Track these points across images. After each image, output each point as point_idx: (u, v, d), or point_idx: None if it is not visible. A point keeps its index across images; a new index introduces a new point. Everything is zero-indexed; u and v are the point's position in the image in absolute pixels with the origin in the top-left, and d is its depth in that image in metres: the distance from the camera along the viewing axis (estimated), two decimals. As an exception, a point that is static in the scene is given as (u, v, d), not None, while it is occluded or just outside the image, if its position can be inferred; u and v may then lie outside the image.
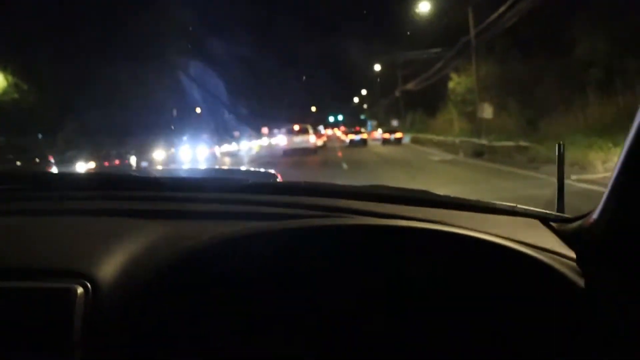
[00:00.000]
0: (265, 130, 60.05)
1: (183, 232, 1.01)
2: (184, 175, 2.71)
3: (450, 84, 31.47)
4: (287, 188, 1.38)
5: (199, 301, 0.94)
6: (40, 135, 27.74)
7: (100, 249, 0.95)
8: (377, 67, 50.24)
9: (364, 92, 78.27)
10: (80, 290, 0.86)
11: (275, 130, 56.87)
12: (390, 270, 0.97)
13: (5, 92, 26.16)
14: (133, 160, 24.65)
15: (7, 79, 26.16)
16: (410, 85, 43.69)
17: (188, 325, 0.94)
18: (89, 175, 1.85)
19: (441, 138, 29.69)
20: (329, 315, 0.96)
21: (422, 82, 39.89)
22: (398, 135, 40.25)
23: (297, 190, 1.30)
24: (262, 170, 2.62)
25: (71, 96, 29.39)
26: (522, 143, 17.43)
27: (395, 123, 50.16)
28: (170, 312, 0.93)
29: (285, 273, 0.96)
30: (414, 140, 38.03)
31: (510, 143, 18.48)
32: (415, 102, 45.03)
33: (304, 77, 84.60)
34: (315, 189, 1.28)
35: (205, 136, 34.10)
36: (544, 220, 1.12)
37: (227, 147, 36.68)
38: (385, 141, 40.09)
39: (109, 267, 0.91)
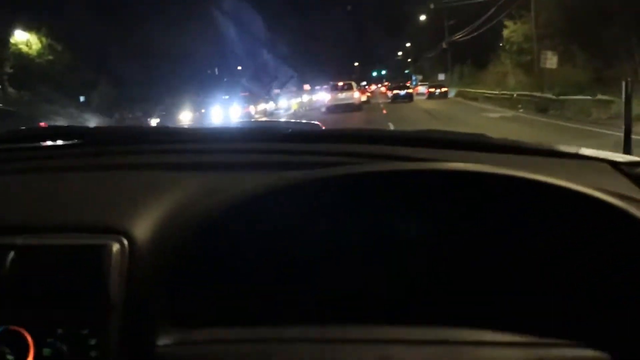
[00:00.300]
0: (307, 87, 58.84)
1: (221, 184, 0.98)
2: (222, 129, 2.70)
3: (505, 32, 28.86)
4: (330, 135, 1.32)
5: (238, 254, 0.93)
6: (82, 98, 27.81)
7: (136, 204, 0.95)
8: (423, 18, 47.39)
9: (408, 45, 74.88)
10: (116, 246, 0.87)
11: (317, 87, 56.62)
12: (443, 218, 0.93)
13: (40, 53, 25.94)
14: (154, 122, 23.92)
15: (41, 41, 25.93)
16: (458, 36, 41.05)
17: (226, 279, 0.94)
18: (124, 129, 1.82)
19: (494, 92, 27.44)
20: (381, 263, 0.95)
21: (471, 32, 37.34)
22: (443, 89, 38.02)
23: (341, 137, 1.24)
24: (305, 121, 2.36)
25: (106, 53, 28.98)
26: (602, 96, 15.28)
27: (441, 77, 47.73)
28: (208, 266, 0.92)
29: (328, 221, 0.95)
30: (462, 95, 35.83)
31: (586, 97, 16.28)
32: (463, 55, 42.39)
33: (349, 7, 79.65)
34: (360, 136, 1.23)
35: (242, 94, 33.57)
36: (614, 163, 1.05)
37: (263, 106, 34.85)
38: (430, 95, 38.14)
39: (146, 223, 0.91)
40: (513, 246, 0.91)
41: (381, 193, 0.94)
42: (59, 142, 1.34)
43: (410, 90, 38.95)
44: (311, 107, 38.25)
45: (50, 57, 26.10)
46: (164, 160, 1.15)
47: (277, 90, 47.20)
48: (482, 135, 1.20)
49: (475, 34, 36.66)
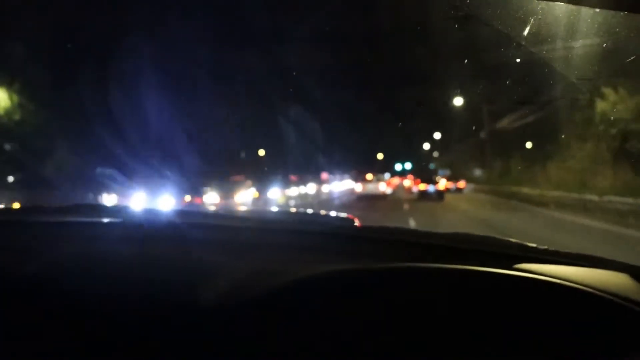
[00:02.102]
0: (325, 175, 53.87)
1: (273, 269, 1.05)
2: (276, 217, 2.65)
3: (600, 107, 19.86)
4: (371, 233, 1.38)
5: (283, 340, 0.97)
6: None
7: (196, 282, 1.05)
8: (458, 102, 40.55)
9: (437, 135, 68.31)
10: None
11: (336, 176, 54.65)
12: (473, 319, 0.96)
13: (8, 112, 20.75)
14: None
15: (11, 98, 20.90)
16: (504, 123, 33.70)
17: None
18: (186, 213, 1.89)
19: (563, 194, 19.42)
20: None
21: (522, 117, 29.96)
22: (460, 184, 33.22)
23: (380, 235, 1.32)
24: (341, 215, 2.26)
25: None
26: None
27: (478, 172, 40.16)
28: (248, 348, 0.96)
29: (370, 315, 0.98)
30: (508, 196, 27.96)
31: None
32: (508, 146, 34.90)
33: (400, 124, 76.24)
34: (397, 235, 1.31)
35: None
36: (635, 274, 1.09)
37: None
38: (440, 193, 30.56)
39: (204, 301, 1.00)
40: (540, 349, 0.93)
41: (422, 291, 0.98)
42: (120, 220, 1.44)
43: (440, 187, 31.37)
44: (319, 199, 33.25)
45: (17, 118, 21.25)
46: (219, 244, 1.27)
47: (293, 177, 42.45)
48: (507, 240, 1.25)
49: (526, 120, 29.22)
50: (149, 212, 1.72)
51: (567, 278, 0.98)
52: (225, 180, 27.20)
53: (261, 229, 1.38)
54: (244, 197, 24.67)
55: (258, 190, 28.05)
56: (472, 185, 40.68)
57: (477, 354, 0.95)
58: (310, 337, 0.96)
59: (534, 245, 1.23)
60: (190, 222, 1.41)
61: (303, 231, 1.37)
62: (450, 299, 0.98)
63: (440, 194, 29.30)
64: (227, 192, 23.81)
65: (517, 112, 31.30)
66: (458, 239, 1.25)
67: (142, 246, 1.23)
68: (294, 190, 34.83)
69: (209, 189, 22.96)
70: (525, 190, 25.50)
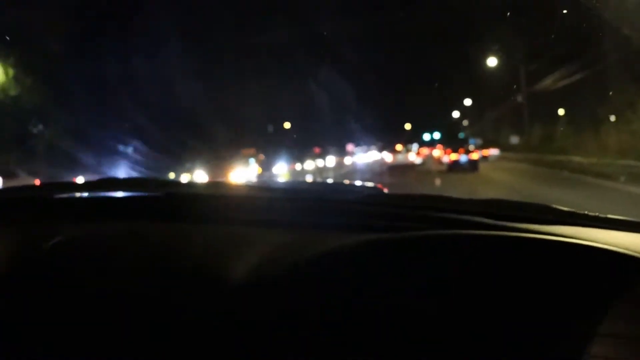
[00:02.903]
0: (350, 147, 51.97)
1: (302, 242, 1.06)
2: (300, 187, 2.73)
3: None
4: (400, 201, 1.38)
5: (318, 310, 0.97)
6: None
7: (225, 256, 1.04)
8: (491, 62, 36.70)
9: (467, 102, 64.10)
10: None
11: (362, 147, 52.30)
12: (513, 285, 0.94)
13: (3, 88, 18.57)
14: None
15: (7, 72, 18.87)
16: (545, 84, 30.02)
17: (303, 335, 0.97)
18: (215, 184, 2.06)
19: (634, 163, 15.78)
20: (443, 330, 0.95)
21: (566, 76, 26.31)
22: (485, 152, 29.39)
23: (410, 203, 1.31)
24: (369, 184, 2.50)
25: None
26: None
27: (514, 140, 36.59)
28: (285, 322, 0.96)
29: (401, 283, 0.97)
30: (543, 163, 24.61)
31: None
32: (549, 110, 31.29)
33: (436, 84, 72.68)
34: (427, 202, 1.29)
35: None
36: None
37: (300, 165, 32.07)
38: (453, 165, 27.00)
39: (234, 274, 0.99)
40: (585, 316, 0.90)
41: (456, 258, 0.96)
42: (146, 194, 1.47)
43: (475, 156, 27.57)
44: (340, 172, 30.71)
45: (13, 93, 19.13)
46: (251, 216, 1.23)
47: (317, 149, 42.76)
48: (549, 207, 1.21)
49: (575, 77, 25.57)
50: (171, 184, 1.78)
51: (610, 242, 0.95)
52: (233, 154, 25.05)
53: (289, 199, 1.39)
54: (245, 173, 21.98)
55: (267, 164, 26.79)
56: (501, 154, 37.73)
57: (514, 322, 0.92)
58: (341, 308, 0.96)
59: (572, 210, 1.20)
60: (220, 194, 1.45)
61: (332, 200, 1.39)
62: (483, 266, 0.96)
63: (474, 164, 25.88)
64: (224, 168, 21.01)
65: (560, 71, 27.77)
66: (492, 204, 1.23)
67: (169, 220, 1.24)
68: (309, 164, 33.32)
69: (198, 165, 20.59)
70: (577, 159, 21.94)
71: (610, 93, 22.38)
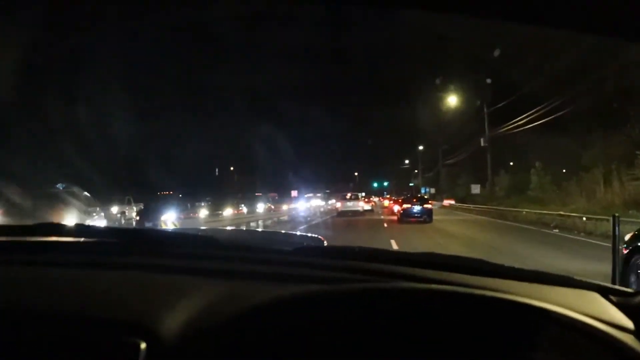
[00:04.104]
0: (294, 193, 53.28)
1: (239, 292, 1.04)
2: (239, 236, 2.79)
3: None
4: (337, 252, 1.40)
5: None
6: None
7: (163, 305, 0.99)
8: (449, 103, 32.71)
9: (420, 148, 60.49)
10: (143, 345, 0.89)
11: (308, 195, 53.20)
12: (440, 337, 0.96)
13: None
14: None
15: None
16: (508, 127, 25.83)
17: None
18: (151, 233, 1.96)
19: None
20: None
21: (535, 118, 22.29)
22: (427, 205, 24.20)
23: (346, 254, 1.32)
24: (309, 234, 2.31)
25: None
26: None
27: (476, 189, 32.44)
28: None
29: (336, 335, 0.98)
30: (520, 219, 20.14)
31: None
32: (518, 154, 27.21)
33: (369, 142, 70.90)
34: (364, 255, 1.30)
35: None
36: (603, 292, 1.10)
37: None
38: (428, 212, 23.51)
39: (171, 324, 0.94)
40: None
41: (392, 310, 0.98)
42: (95, 240, 1.45)
43: (428, 205, 24.14)
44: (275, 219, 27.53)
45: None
46: (188, 264, 1.22)
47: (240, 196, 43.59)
48: (480, 260, 1.25)
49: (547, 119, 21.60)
50: (127, 232, 1.80)
51: (533, 297, 0.98)
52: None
53: (228, 248, 1.40)
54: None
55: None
56: (457, 204, 34.21)
57: None
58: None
59: (505, 264, 1.23)
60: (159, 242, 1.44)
61: (271, 250, 1.41)
62: (415, 319, 0.98)
63: (428, 214, 23.29)
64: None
65: (526, 112, 23.89)
66: (427, 259, 1.25)
67: (111, 267, 1.22)
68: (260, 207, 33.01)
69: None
70: (564, 213, 17.38)
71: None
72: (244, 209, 30.79)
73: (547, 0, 1.08)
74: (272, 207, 37.01)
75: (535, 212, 20.21)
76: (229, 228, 13.66)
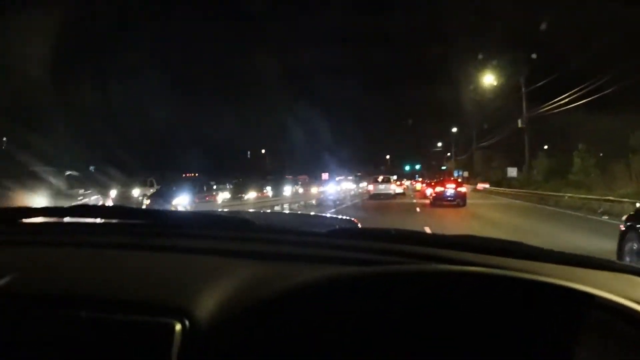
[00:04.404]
0: (325, 175, 51.81)
1: (273, 274, 1.05)
2: (272, 218, 2.82)
3: None
4: (371, 234, 1.40)
5: (290, 343, 0.98)
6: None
7: (198, 286, 0.99)
8: (485, 81, 31.30)
9: (453, 130, 58.93)
10: (178, 326, 0.90)
11: (340, 178, 52.78)
12: (477, 320, 0.96)
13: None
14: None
15: None
16: (556, 104, 24.47)
17: None
18: (186, 214, 2.12)
19: None
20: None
21: (580, 96, 20.92)
22: (461, 189, 23.15)
23: (381, 236, 1.31)
24: (342, 217, 2.39)
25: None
26: None
27: (512, 172, 31.10)
28: (263, 353, 0.97)
29: (372, 318, 0.98)
30: (561, 204, 18.93)
31: None
32: (558, 137, 25.84)
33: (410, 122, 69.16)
34: (399, 237, 1.30)
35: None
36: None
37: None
38: (438, 198, 23.04)
39: (206, 305, 0.95)
40: (543, 352, 0.94)
41: (426, 293, 0.98)
42: (125, 221, 1.48)
43: (462, 189, 23.17)
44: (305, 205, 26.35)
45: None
46: (224, 246, 1.22)
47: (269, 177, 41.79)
48: (518, 243, 1.24)
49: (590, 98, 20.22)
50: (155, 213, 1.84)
51: (574, 280, 0.97)
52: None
53: (265, 231, 1.39)
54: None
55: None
56: (492, 188, 33.15)
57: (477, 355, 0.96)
58: (314, 342, 0.97)
59: (539, 247, 1.23)
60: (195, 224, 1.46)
61: (306, 232, 1.41)
62: (452, 302, 0.98)
63: (461, 198, 22.35)
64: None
65: (567, 92, 22.51)
66: (464, 241, 1.26)
67: (145, 248, 1.24)
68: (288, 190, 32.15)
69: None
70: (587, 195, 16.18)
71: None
72: (269, 192, 29.84)
73: None
74: (301, 189, 36.08)
75: (579, 197, 18.97)
76: (251, 210, 13.44)
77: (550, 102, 25.13)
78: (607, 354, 0.90)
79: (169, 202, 16.93)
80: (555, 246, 1.27)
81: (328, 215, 4.61)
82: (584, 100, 21.59)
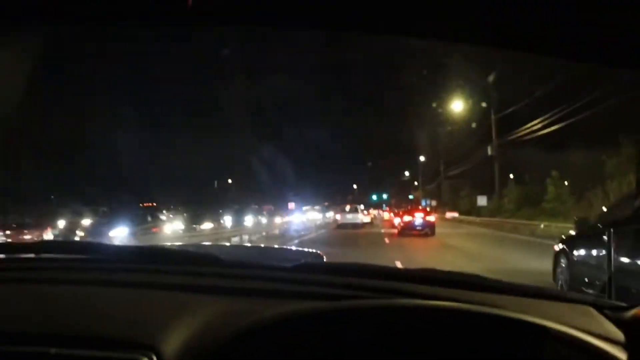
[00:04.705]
0: (291, 205, 50.24)
1: (241, 309, 1.05)
2: (236, 252, 2.67)
3: None
4: (337, 269, 1.40)
5: None
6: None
7: (165, 322, 0.99)
8: (454, 109, 30.68)
9: (421, 159, 58.44)
10: None
11: (307, 208, 51.89)
12: (439, 353, 0.99)
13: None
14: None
15: None
16: (525, 130, 23.77)
17: None
18: (151, 250, 1.86)
19: None
20: None
21: (552, 121, 20.33)
22: (429, 218, 22.63)
23: (347, 271, 1.32)
24: (307, 250, 2.29)
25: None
26: None
27: (482, 201, 30.30)
28: None
29: (339, 352, 1.00)
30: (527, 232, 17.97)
31: None
32: (530, 164, 25.15)
33: (370, 164, 69.59)
34: (364, 271, 1.31)
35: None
36: (597, 307, 1.12)
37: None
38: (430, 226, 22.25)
39: (173, 341, 0.95)
40: None
41: (391, 327, 1.01)
42: (88, 256, 1.45)
43: (431, 218, 22.61)
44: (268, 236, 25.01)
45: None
46: (190, 282, 1.21)
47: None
48: (477, 276, 1.28)
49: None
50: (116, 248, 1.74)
51: (531, 312, 1.00)
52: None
53: (227, 265, 1.37)
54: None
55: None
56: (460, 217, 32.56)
57: None
58: None
59: (498, 279, 1.27)
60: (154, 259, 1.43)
61: (270, 267, 1.39)
62: (414, 335, 1.00)
63: (430, 227, 21.84)
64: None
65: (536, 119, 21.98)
66: (427, 274, 1.26)
67: (111, 284, 1.21)
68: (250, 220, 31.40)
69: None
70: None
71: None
72: (226, 222, 28.34)
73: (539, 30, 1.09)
74: (265, 219, 34.77)
75: (556, 226, 17.98)
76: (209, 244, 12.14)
77: (522, 128, 24.58)
78: None
79: (105, 235, 15.37)
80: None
81: (294, 248, 4.53)
82: (557, 126, 21.01)
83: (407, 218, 22.51)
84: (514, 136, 25.42)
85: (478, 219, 30.06)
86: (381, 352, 0.97)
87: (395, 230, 24.04)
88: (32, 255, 1.44)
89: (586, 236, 6.25)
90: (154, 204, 28.44)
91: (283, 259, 1.77)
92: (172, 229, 20.10)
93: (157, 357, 0.89)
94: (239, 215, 31.53)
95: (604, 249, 5.27)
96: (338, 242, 18.57)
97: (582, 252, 6.28)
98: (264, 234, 24.77)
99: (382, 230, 26.47)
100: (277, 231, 26.73)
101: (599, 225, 6.04)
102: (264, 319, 0.99)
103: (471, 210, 34.91)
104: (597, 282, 5.30)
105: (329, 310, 1.02)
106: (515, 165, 28.18)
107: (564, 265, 6.64)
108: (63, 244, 1.59)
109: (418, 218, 22.10)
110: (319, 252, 1.99)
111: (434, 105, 31.68)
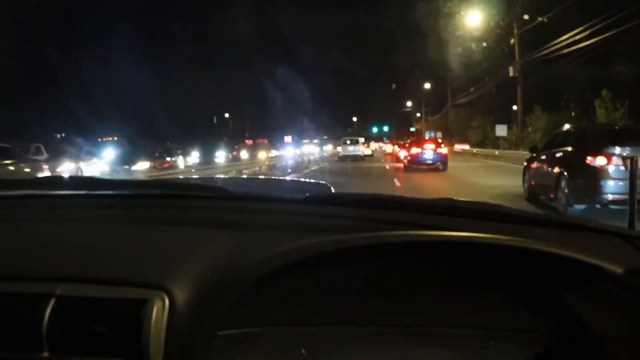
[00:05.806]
0: (288, 139, 49.84)
1: (253, 244, 1.04)
2: (247, 184, 2.64)
3: None
4: (349, 200, 1.36)
5: (270, 311, 1.02)
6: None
7: (175, 260, 0.98)
8: (468, 22, 26.57)
9: (426, 86, 54.30)
10: (158, 301, 0.88)
11: (306, 141, 51.28)
12: (458, 286, 1.01)
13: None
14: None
15: None
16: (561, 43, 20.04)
17: (260, 335, 1.03)
18: (159, 182, 1.96)
19: None
20: (393, 333, 1.05)
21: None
22: (441, 150, 19.89)
23: (360, 202, 1.30)
24: (315, 181, 2.19)
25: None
26: None
27: (501, 131, 26.64)
28: (242, 323, 1.00)
29: (352, 284, 1.03)
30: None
31: None
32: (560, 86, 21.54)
33: (394, 85, 65.26)
34: (378, 202, 1.27)
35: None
36: (627, 237, 1.10)
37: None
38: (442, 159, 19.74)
39: (184, 280, 0.93)
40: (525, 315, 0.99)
41: (405, 260, 1.02)
42: (99, 192, 1.38)
43: (443, 150, 19.81)
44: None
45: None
46: (200, 216, 1.18)
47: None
48: (498, 205, 1.22)
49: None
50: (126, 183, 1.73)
51: (559, 244, 0.99)
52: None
53: (236, 198, 1.33)
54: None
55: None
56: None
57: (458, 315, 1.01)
58: (296, 311, 1.00)
59: (521, 209, 1.22)
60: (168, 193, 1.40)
61: (281, 199, 1.36)
62: (435, 270, 1.01)
63: (442, 161, 19.51)
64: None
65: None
66: (444, 204, 1.21)
67: (120, 220, 1.20)
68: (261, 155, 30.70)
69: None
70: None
71: None
72: (180, 160, 25.48)
73: None
74: (246, 155, 32.43)
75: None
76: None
77: (550, 45, 20.82)
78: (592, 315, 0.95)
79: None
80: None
81: (303, 179, 4.28)
82: (601, 36, 17.28)
83: (415, 150, 19.71)
84: (544, 52, 21.67)
85: (496, 152, 26.66)
86: (396, 284, 0.98)
87: (401, 165, 21.31)
88: (32, 192, 1.39)
89: (534, 157, 9.63)
90: (115, 139, 27.29)
91: (291, 191, 1.73)
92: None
93: (168, 296, 0.88)
94: (209, 150, 29.42)
95: (542, 164, 8.98)
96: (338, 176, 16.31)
97: (532, 166, 9.65)
98: (242, 171, 21.07)
99: (387, 166, 23.64)
100: (258, 168, 23.25)
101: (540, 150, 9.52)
102: (276, 252, 0.98)
103: (484, 141, 31.75)
104: (538, 183, 9.13)
105: (343, 242, 1.00)
106: (538, 88, 24.52)
107: (525, 176, 9.97)
108: (63, 180, 1.38)
109: (428, 150, 19.39)
110: (326, 183, 1.88)
111: (446, 14, 27.30)
